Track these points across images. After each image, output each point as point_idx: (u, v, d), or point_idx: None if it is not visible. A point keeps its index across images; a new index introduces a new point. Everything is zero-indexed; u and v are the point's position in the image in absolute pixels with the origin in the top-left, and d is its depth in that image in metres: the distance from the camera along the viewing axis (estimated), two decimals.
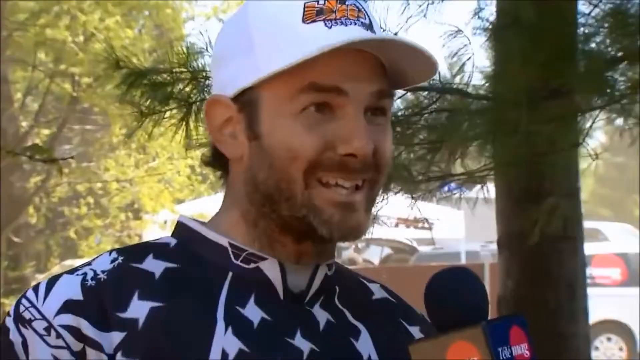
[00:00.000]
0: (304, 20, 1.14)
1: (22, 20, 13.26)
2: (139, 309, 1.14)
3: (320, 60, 1.10)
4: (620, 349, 12.74)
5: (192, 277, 1.17)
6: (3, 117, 12.57)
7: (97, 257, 1.19)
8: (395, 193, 3.48)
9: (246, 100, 1.17)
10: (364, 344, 1.20)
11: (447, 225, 15.32)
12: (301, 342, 1.16)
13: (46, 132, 14.42)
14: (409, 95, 3.62)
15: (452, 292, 1.08)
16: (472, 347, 1.03)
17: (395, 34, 3.60)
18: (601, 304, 11.45)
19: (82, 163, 15.18)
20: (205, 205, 13.92)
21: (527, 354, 1.06)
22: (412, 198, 3.64)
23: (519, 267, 4.07)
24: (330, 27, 1.14)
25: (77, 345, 1.12)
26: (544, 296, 3.99)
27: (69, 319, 1.12)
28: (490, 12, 3.92)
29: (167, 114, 3.58)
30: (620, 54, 3.43)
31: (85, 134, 15.87)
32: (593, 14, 3.65)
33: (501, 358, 1.03)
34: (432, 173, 3.65)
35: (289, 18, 1.15)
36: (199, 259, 1.19)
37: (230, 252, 1.19)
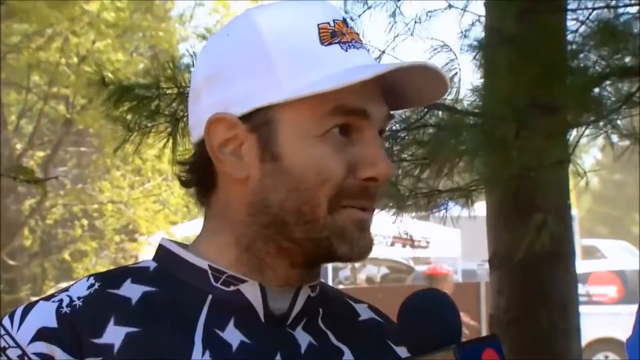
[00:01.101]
0: (322, 42, 1.14)
1: (15, 43, 13.29)
2: (114, 334, 1.12)
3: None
4: None
5: (171, 300, 1.16)
6: None
7: (74, 283, 1.18)
8: (382, 209, 3.47)
9: (260, 120, 1.14)
10: None
11: (444, 243, 15.35)
12: None
13: (40, 154, 14.44)
14: (398, 111, 3.60)
15: (424, 315, 1.06)
16: None
17: (383, 52, 3.60)
18: (598, 321, 11.42)
19: (77, 185, 15.21)
20: (200, 227, 13.91)
21: None
22: (399, 214, 3.63)
23: (510, 285, 4.05)
24: (347, 50, 1.14)
25: None
26: (537, 315, 3.98)
27: (42, 347, 1.11)
28: (479, 29, 3.93)
29: (154, 129, 3.57)
30: (608, 70, 3.43)
31: (80, 156, 15.86)
32: (581, 30, 3.66)
33: None
34: (420, 190, 3.64)
35: (307, 39, 1.14)
36: (179, 282, 1.17)
37: (210, 275, 1.17)
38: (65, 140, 14.47)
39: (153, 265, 1.20)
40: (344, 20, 1.17)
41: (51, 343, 1.11)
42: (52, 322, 1.12)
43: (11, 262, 14.12)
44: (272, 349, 1.14)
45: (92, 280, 1.17)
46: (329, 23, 1.15)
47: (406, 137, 3.59)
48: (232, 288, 1.16)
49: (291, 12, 1.17)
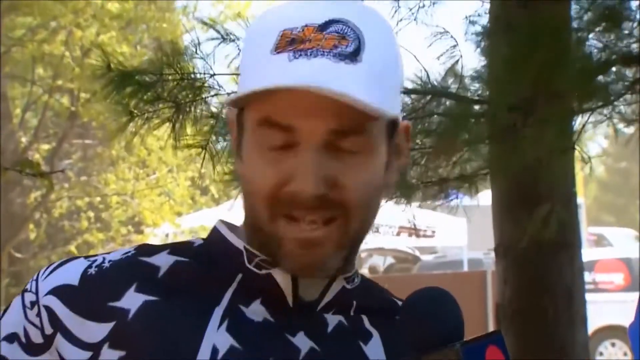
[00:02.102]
0: (274, 50, 1.11)
1: (20, 36, 13.28)
2: (132, 300, 1.14)
3: (278, 94, 1.08)
4: (625, 354, 12.70)
5: (201, 273, 1.17)
6: (2, 134, 12.57)
7: (120, 249, 1.21)
8: (390, 199, 3.46)
9: (240, 120, 1.17)
10: (374, 348, 1.18)
11: (450, 233, 15.34)
12: (301, 340, 1.14)
13: (46, 147, 14.45)
14: (405, 99, 3.60)
15: (427, 313, 1.06)
16: None
17: None
18: (605, 309, 11.42)
19: (83, 177, 15.22)
20: (205, 218, 13.94)
21: None
22: (408, 204, 3.62)
23: (516, 274, 4.04)
24: (293, 60, 1.09)
25: (49, 329, 1.15)
26: (542, 304, 3.96)
27: (54, 302, 1.15)
28: (484, 17, 3.93)
29: (156, 114, 3.57)
30: (612, 57, 3.42)
31: (85, 148, 15.87)
32: (585, 17, 3.64)
33: None
34: (427, 178, 3.63)
35: (262, 45, 1.12)
36: (214, 258, 1.19)
37: (245, 256, 1.18)
38: (70, 133, 14.46)
39: (199, 242, 1.23)
40: (324, 24, 1.12)
41: (64, 301, 1.14)
42: (75, 281, 1.15)
43: (17, 255, 14.14)
44: (296, 327, 1.15)
45: (132, 248, 1.20)
46: (295, 29, 1.11)
47: (414, 126, 3.58)
48: (263, 271, 1.17)
49: (273, 15, 1.15)
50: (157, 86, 3.56)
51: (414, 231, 12.29)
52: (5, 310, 1.20)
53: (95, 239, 14.68)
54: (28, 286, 1.18)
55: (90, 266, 1.17)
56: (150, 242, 1.26)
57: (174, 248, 1.20)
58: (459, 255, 15.61)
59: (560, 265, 3.98)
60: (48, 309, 1.14)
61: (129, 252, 1.19)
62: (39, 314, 1.15)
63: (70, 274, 1.16)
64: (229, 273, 1.17)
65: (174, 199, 14.91)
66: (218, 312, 1.14)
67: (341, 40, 1.10)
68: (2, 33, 12.27)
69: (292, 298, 1.16)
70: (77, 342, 1.14)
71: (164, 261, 1.18)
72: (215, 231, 1.23)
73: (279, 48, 1.11)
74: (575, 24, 3.68)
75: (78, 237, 14.97)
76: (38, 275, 1.18)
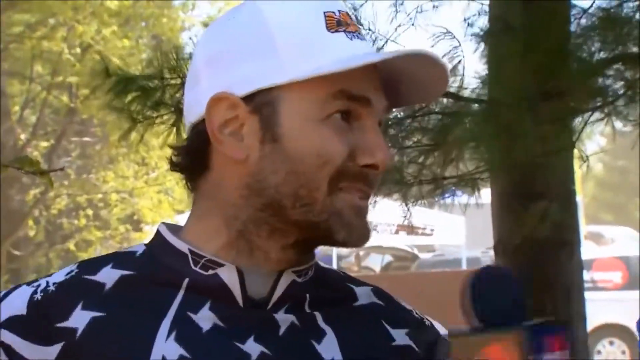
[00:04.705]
0: (328, 29, 1.15)
1: (18, 33, 13.26)
2: (79, 319, 1.14)
3: (351, 70, 1.11)
4: (623, 353, 12.72)
5: (146, 284, 1.16)
6: (1, 131, 12.56)
7: (61, 270, 1.20)
8: (386, 197, 3.48)
9: (263, 101, 1.14)
10: (328, 346, 1.17)
11: (448, 231, 15.33)
12: (251, 346, 1.13)
13: (44, 144, 14.44)
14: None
15: (497, 292, 1.07)
16: (508, 348, 1.03)
17: (387, 40, 3.62)
18: (603, 307, 11.43)
19: (82, 175, 15.21)
20: None
21: None
22: (405, 202, 3.63)
23: (514, 272, 4.05)
24: (352, 39, 1.16)
25: None
26: (541, 301, 3.97)
27: (8, 335, 1.15)
28: (483, 18, 3.95)
29: (158, 120, 3.58)
30: (611, 57, 3.44)
31: (84, 146, 15.86)
32: (584, 18, 3.67)
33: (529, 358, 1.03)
34: (425, 176, 3.64)
35: (314, 24, 1.15)
36: (159, 265, 1.17)
37: (190, 259, 1.17)
38: (68, 130, 14.46)
39: (142, 249, 1.21)
40: (348, 13, 1.20)
41: (16, 333, 1.14)
42: (22, 310, 1.15)
43: (15, 252, 14.14)
44: (246, 331, 1.14)
45: (74, 266, 1.19)
46: (334, 12, 1.16)
47: (411, 124, 3.60)
48: (210, 272, 1.15)
49: (296, 2, 1.18)
50: (159, 91, 3.57)
51: (412, 229, 12.27)
52: None
53: (94, 236, 14.67)
54: None
55: (35, 292, 1.16)
56: (89, 257, 1.25)
57: (117, 261, 1.19)
58: (457, 254, 15.58)
59: (559, 263, 3.99)
60: (3, 345, 1.15)
61: (72, 271, 1.18)
62: None
63: (16, 306, 1.16)
64: (175, 278, 1.16)
65: (174, 197, 14.90)
66: (166, 322, 1.13)
67: (359, 28, 1.20)
68: (1, 30, 12.25)
69: (242, 297, 1.15)
70: None
71: (108, 277, 1.17)
72: (158, 236, 1.21)
73: (331, 27, 1.16)
74: (574, 25, 3.70)
75: (76, 234, 14.96)
76: None
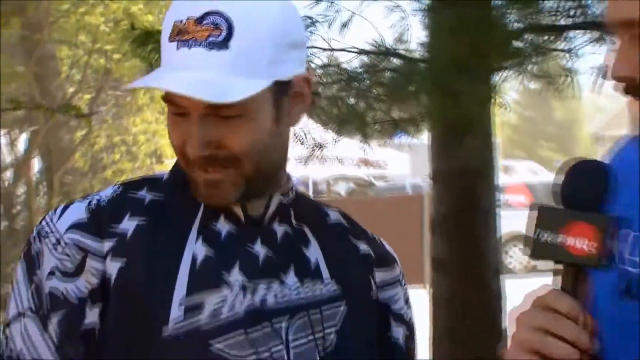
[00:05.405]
0: (169, 38, 1.08)
1: (66, 9, 13.10)
2: (129, 224, 1.13)
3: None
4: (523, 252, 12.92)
5: (174, 204, 1.15)
6: (52, 87, 12.54)
7: (105, 189, 1.18)
8: (349, 137, 3.43)
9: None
10: (313, 251, 1.18)
11: (397, 164, 15.37)
12: (259, 249, 1.14)
13: (87, 96, 14.30)
14: (365, 58, 3.60)
15: (590, 180, 0.95)
16: (591, 230, 0.93)
17: (353, 14, 3.51)
18: (512, 221, 11.55)
19: (116, 120, 15.12)
20: None
21: (627, 256, 0.96)
22: (365, 141, 3.60)
23: (447, 196, 4.04)
24: (180, 48, 1.06)
25: (79, 255, 1.12)
26: (467, 218, 3.98)
27: (76, 234, 1.12)
28: None
29: None
30: (525, 26, 3.38)
31: (117, 98, 15.73)
32: None
33: (609, 247, 0.93)
34: (380, 120, 3.60)
35: (165, 34, 1.09)
36: (182, 189, 1.15)
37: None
38: (105, 86, 14.32)
39: (166, 175, 1.19)
40: (200, 18, 1.06)
41: (82, 232, 1.12)
42: (84, 216, 1.13)
43: (66, 181, 14.06)
44: (253, 237, 1.14)
45: (117, 187, 1.18)
46: (181, 21, 1.07)
47: (370, 79, 3.55)
48: None
49: (172, 7, 1.10)
50: None
51: (369, 162, 12.26)
52: (27, 252, 1.14)
53: (126, 167, 14.65)
54: (44, 232, 1.13)
55: (90, 203, 1.14)
56: (126, 180, 1.23)
57: (150, 184, 1.17)
58: (404, 181, 15.66)
59: (480, 188, 3.98)
60: (73, 240, 1.11)
61: (117, 189, 1.16)
62: (64, 248, 1.11)
63: (78, 213, 1.13)
64: (194, 200, 1.14)
65: None
66: (194, 230, 1.13)
67: (214, 30, 1.06)
68: (52, 7, 12.11)
69: (243, 215, 1.15)
70: (97, 255, 1.12)
71: (145, 195, 1.16)
72: (177, 166, 1.18)
73: (171, 37, 1.07)
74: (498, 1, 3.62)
75: (113, 166, 14.92)
76: (47, 221, 1.13)
